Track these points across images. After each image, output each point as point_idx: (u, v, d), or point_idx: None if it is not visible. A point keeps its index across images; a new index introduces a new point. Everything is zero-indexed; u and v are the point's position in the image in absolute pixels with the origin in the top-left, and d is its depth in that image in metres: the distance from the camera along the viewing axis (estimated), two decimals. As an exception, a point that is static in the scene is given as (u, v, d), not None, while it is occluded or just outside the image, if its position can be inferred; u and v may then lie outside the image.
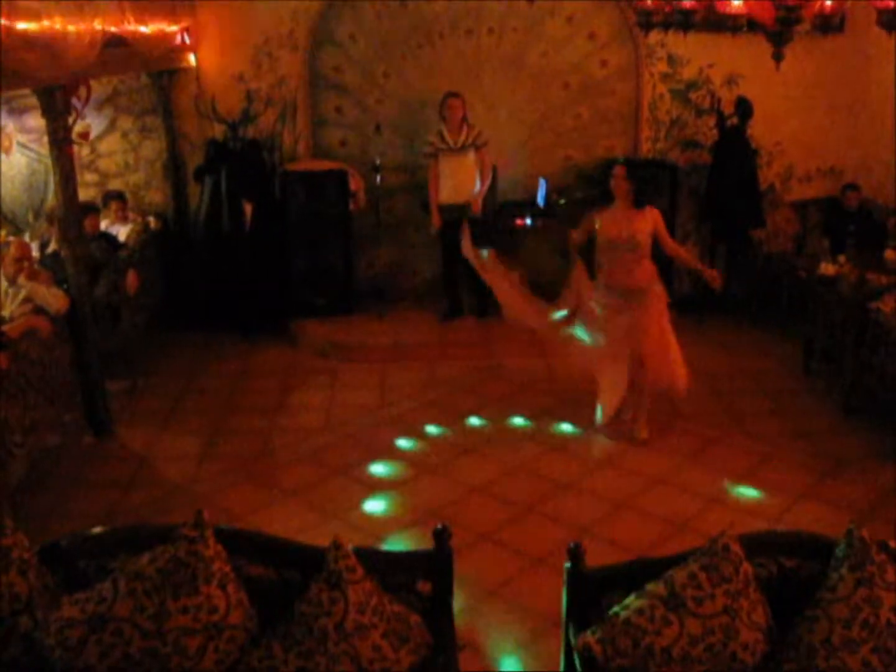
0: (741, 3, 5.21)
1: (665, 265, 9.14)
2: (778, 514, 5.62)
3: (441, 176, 8.48)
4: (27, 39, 5.19)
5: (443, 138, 8.38)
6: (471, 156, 8.42)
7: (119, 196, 8.66)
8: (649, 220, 6.26)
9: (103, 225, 8.17)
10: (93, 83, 7.96)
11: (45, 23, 5.42)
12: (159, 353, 8.34)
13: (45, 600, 3.00)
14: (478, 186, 8.52)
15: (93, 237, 7.41)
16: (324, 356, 8.36)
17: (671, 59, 9.14)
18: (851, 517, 4.86)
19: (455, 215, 8.40)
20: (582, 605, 3.18)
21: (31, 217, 8.73)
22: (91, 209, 7.75)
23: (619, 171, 6.33)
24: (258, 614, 3.06)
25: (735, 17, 5.35)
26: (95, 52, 6.09)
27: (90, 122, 8.48)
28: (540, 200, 8.99)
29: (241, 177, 8.63)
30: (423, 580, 3.26)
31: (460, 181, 8.42)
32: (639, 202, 6.26)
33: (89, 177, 9.06)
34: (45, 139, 6.29)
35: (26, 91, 6.20)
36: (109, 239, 7.87)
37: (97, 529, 3.31)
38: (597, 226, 6.31)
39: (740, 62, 8.96)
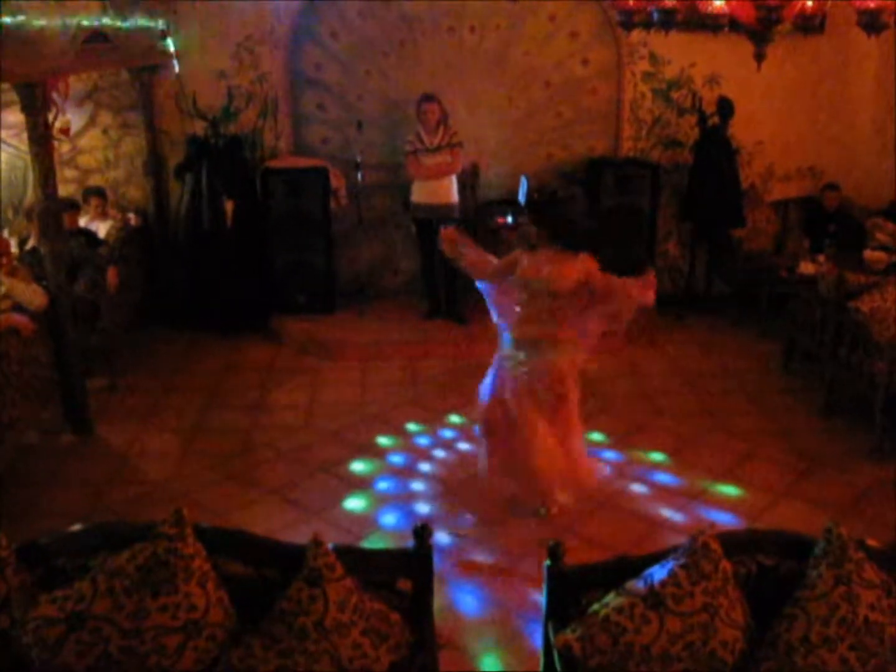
0: (722, 2, 5.22)
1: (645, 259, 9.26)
2: (757, 512, 5.65)
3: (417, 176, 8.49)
4: (7, 34, 5.16)
5: (420, 139, 8.37)
6: (446, 156, 8.40)
7: (99, 192, 8.60)
8: (575, 270, 5.09)
9: (83, 221, 8.12)
10: (73, 79, 7.93)
11: (26, 17, 5.39)
12: (140, 350, 8.29)
13: (22, 598, 2.98)
14: (454, 186, 8.52)
15: (71, 233, 7.36)
16: (305, 354, 8.35)
17: (653, 59, 9.17)
18: (830, 515, 4.90)
19: (432, 216, 8.41)
20: (562, 604, 3.19)
21: (9, 213, 8.68)
22: (70, 206, 7.71)
23: (520, 220, 5.37)
24: (238, 612, 3.05)
25: (716, 17, 5.35)
26: (76, 48, 6.07)
27: (70, 117, 8.44)
28: (521, 199, 9.00)
29: (221, 174, 8.60)
30: (403, 578, 3.26)
31: (436, 182, 8.41)
32: (567, 245, 5.14)
33: (69, 173, 9.01)
34: (25, 135, 6.25)
35: (6, 86, 6.15)
36: (89, 236, 7.83)
37: (76, 527, 3.29)
38: (522, 264, 5.22)
39: (722, 62, 9.00)
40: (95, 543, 3.15)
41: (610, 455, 6.43)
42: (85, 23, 6.31)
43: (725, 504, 5.76)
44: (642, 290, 5.11)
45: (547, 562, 3.20)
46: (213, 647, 2.95)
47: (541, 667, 3.34)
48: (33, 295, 6.28)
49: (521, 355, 5.31)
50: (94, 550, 3.12)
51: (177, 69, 8.72)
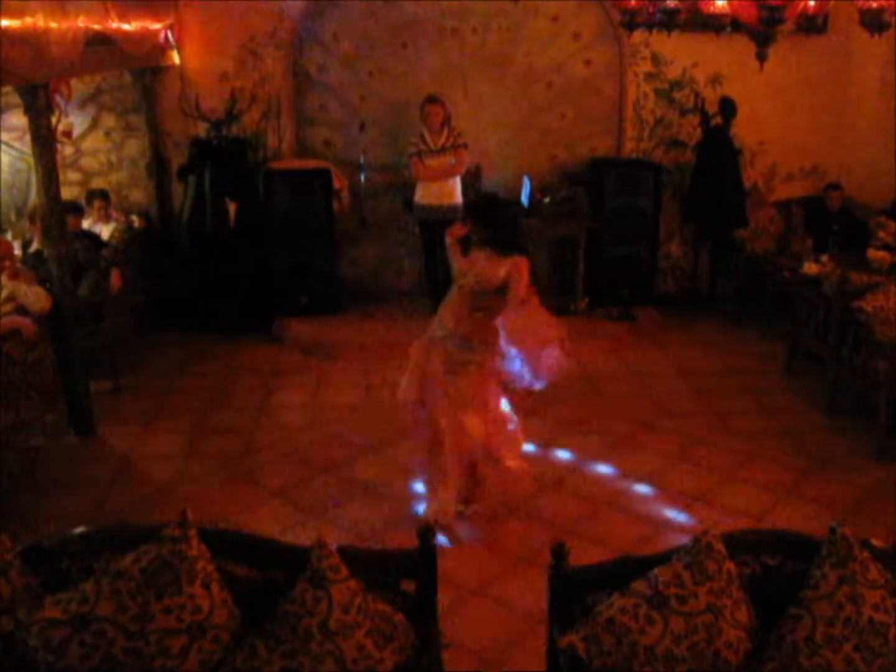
0: (725, 3, 5.22)
1: (649, 263, 9.27)
2: (761, 512, 5.64)
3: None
4: (10, 37, 5.16)
5: (424, 140, 8.40)
6: (450, 157, 8.42)
7: (102, 195, 8.62)
8: (503, 270, 5.10)
9: (86, 224, 8.13)
10: (76, 81, 7.94)
11: (28, 20, 5.39)
12: (143, 352, 8.30)
13: (27, 601, 2.98)
14: (458, 187, 8.53)
15: (75, 236, 7.37)
16: (308, 355, 8.35)
17: (655, 59, 9.17)
18: (834, 515, 4.90)
19: (436, 217, 8.41)
20: (566, 604, 3.19)
21: (13, 216, 8.68)
22: (74, 209, 7.71)
23: (457, 229, 5.44)
24: (242, 614, 3.05)
25: (718, 17, 5.36)
26: (79, 50, 6.07)
27: (73, 120, 8.45)
28: (524, 200, 9.00)
29: (224, 175, 8.60)
30: (407, 579, 3.26)
31: (441, 183, 8.42)
32: (502, 248, 5.18)
33: (72, 175, 9.03)
34: (28, 137, 6.25)
35: (8, 89, 6.16)
36: (92, 238, 7.83)
37: (80, 529, 3.29)
38: (460, 258, 5.41)
39: (724, 62, 9.00)
40: (99, 546, 3.15)
41: (613, 455, 6.43)
42: (87, 25, 6.31)
43: (729, 504, 5.76)
44: (558, 345, 5.17)
45: (551, 562, 3.19)
46: (217, 648, 2.95)
47: (545, 668, 3.34)
48: (36, 297, 6.28)
49: (440, 332, 5.37)
50: (98, 553, 3.12)
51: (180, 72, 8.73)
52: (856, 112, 9.40)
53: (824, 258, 7.89)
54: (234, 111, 8.85)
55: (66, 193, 7.50)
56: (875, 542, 3.17)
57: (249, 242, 8.78)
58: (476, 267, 5.23)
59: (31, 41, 5.42)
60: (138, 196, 9.26)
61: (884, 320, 6.47)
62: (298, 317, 8.89)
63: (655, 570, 3.05)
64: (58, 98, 6.17)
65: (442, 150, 8.38)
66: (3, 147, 8.75)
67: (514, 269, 5.08)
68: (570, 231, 9.04)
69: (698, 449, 6.51)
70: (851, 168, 9.40)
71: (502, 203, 5.79)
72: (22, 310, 6.23)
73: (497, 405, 5.45)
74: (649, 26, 5.93)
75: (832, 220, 8.84)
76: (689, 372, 7.92)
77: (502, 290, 5.11)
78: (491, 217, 5.31)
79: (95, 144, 9.14)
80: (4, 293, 6.27)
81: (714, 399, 7.37)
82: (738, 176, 9.05)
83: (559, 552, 3.17)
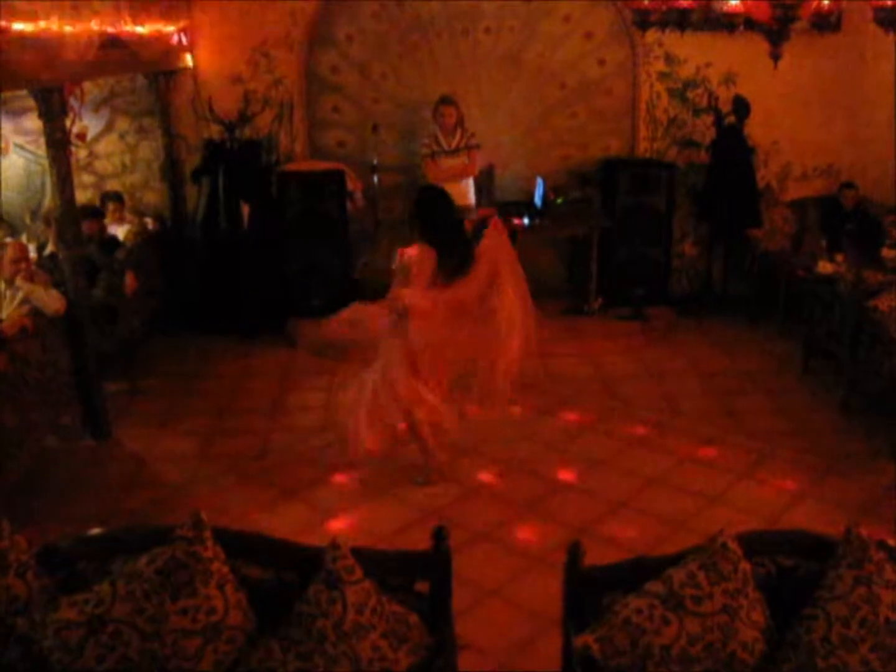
0: (738, 1, 5.21)
1: (663, 263, 9.25)
2: (776, 512, 5.62)
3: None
4: (24, 40, 5.19)
5: (437, 141, 8.41)
6: (464, 159, 8.43)
7: (116, 197, 8.66)
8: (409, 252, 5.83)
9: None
10: (90, 84, 7.97)
11: (42, 24, 5.42)
12: (157, 354, 8.33)
13: (43, 602, 2.99)
14: (471, 188, 8.53)
15: (90, 239, 7.39)
16: (321, 356, 8.35)
17: (668, 58, 9.15)
18: (850, 516, 4.88)
19: None
20: (581, 605, 3.18)
21: (28, 219, 8.73)
22: (93, 213, 7.73)
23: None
24: (257, 615, 3.06)
25: (732, 16, 5.35)
26: (92, 54, 6.09)
27: (87, 123, 8.49)
28: (537, 200, 8.99)
29: (238, 178, 8.63)
30: (421, 580, 3.26)
31: (454, 184, 8.41)
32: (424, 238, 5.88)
33: (86, 178, 9.07)
34: (42, 140, 6.28)
35: (23, 92, 6.19)
36: (107, 240, 7.85)
37: (95, 531, 3.30)
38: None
39: (737, 61, 8.97)
40: (115, 547, 3.16)
41: (627, 455, 6.41)
42: (100, 28, 6.33)
43: (744, 504, 5.74)
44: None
45: (566, 563, 3.19)
46: (232, 649, 2.96)
47: (560, 668, 3.33)
48: (51, 300, 6.31)
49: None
50: (113, 554, 3.13)
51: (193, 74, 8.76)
52: (870, 110, 9.35)
53: (839, 258, 7.86)
54: (247, 113, 8.87)
55: (81, 196, 7.54)
56: (891, 542, 3.15)
57: (263, 244, 8.80)
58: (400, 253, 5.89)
59: (45, 45, 5.45)
60: (152, 198, 9.30)
61: (899, 319, 6.44)
62: (311, 318, 8.89)
63: (671, 571, 3.05)
64: (72, 101, 6.18)
65: (455, 152, 8.39)
66: (19, 150, 8.80)
67: (413, 258, 5.78)
68: (583, 231, 9.02)
69: (713, 449, 6.49)
70: (866, 167, 9.36)
71: (437, 197, 6.24)
72: (37, 312, 6.26)
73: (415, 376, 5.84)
74: (662, 25, 5.92)
75: (847, 219, 8.80)
76: (704, 372, 7.90)
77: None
78: (418, 211, 6.04)
79: (109, 147, 9.18)
80: (20, 295, 6.30)
81: (728, 399, 7.35)
82: (752, 175, 9.03)
83: (574, 553, 3.17)
